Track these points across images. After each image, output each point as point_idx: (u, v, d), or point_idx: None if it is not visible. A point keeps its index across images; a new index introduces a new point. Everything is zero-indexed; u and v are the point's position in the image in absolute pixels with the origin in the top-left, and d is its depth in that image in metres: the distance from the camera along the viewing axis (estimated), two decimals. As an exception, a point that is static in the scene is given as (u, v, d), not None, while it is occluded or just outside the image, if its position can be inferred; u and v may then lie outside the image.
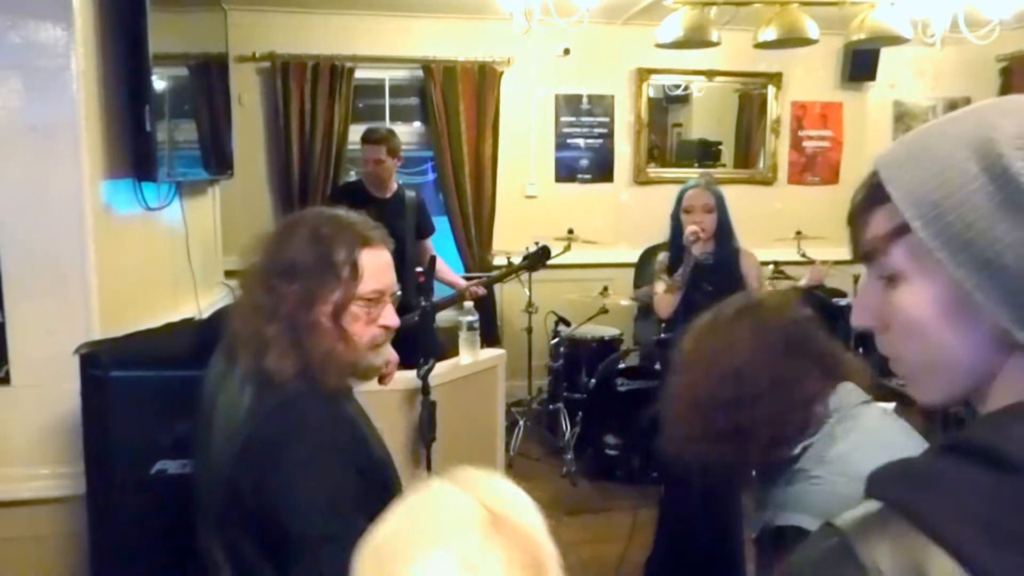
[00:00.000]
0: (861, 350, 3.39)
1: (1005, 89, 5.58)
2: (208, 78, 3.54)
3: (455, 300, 3.95)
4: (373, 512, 1.39)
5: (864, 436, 1.36)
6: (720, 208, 3.13)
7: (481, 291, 3.93)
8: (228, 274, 4.19)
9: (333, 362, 1.36)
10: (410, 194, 4.11)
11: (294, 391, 1.32)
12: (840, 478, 1.29)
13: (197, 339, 1.92)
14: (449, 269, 4.41)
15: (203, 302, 3.40)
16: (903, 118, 5.85)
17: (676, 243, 3.17)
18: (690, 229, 3.04)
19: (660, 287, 3.22)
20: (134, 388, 1.90)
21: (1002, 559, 0.55)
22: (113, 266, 2.48)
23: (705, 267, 3.08)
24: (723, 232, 3.14)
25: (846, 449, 1.33)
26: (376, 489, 1.38)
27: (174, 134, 2.91)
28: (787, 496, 1.36)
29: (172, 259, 3.15)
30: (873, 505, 0.63)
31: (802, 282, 3.12)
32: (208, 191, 3.81)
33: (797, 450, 1.40)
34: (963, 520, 0.57)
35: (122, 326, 2.38)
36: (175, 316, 3.01)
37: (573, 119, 5.46)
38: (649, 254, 5.06)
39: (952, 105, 5.82)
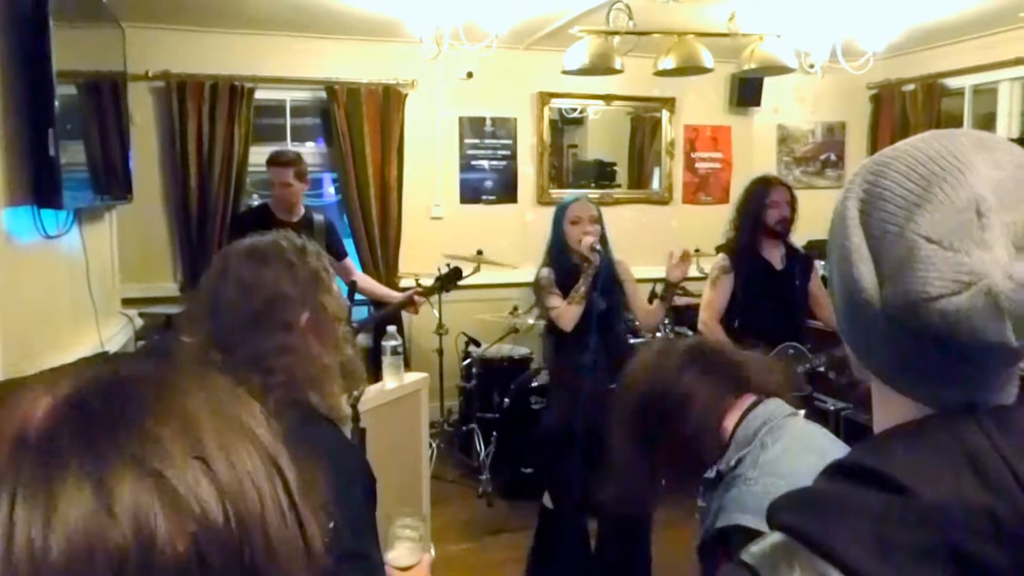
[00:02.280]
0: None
1: (875, 114, 6.01)
2: (106, 99, 3.39)
3: (401, 308, 4.00)
4: (372, 526, 1.41)
5: (791, 441, 1.48)
6: (601, 220, 3.23)
7: (422, 300, 3.96)
8: (126, 302, 4.02)
9: (355, 368, 1.47)
10: (318, 217, 4.05)
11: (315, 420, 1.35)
12: (771, 478, 1.40)
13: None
14: (377, 283, 4.42)
15: (104, 333, 3.25)
16: (786, 140, 6.21)
17: (561, 257, 3.24)
18: (589, 240, 3.10)
19: (556, 301, 3.22)
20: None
21: (892, 570, 0.61)
22: (14, 299, 2.34)
23: (595, 276, 3.16)
24: (604, 243, 3.22)
25: (776, 453, 1.45)
26: (373, 505, 1.40)
27: (74, 157, 2.77)
28: (726, 500, 1.46)
29: (72, 289, 2.99)
30: (777, 536, 0.68)
31: (673, 276, 3.25)
32: (105, 216, 3.64)
33: (733, 462, 1.49)
34: (857, 542, 0.62)
35: (24, 362, 2.24)
36: (77, 349, 2.87)
37: (477, 141, 5.52)
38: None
39: (829, 129, 6.23)
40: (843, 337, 0.76)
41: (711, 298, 3.53)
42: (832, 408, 4.20)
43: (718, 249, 3.63)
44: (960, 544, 0.61)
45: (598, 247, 3.08)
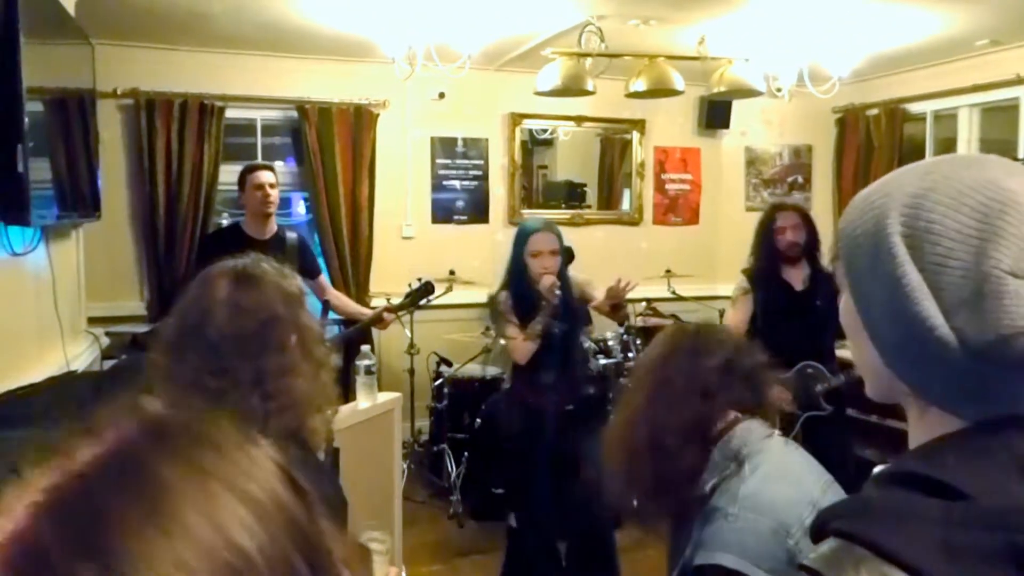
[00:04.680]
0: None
1: (840, 138, 6.13)
2: (74, 115, 3.35)
3: (370, 325, 3.98)
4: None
5: (770, 470, 1.44)
6: (562, 248, 3.20)
7: (392, 317, 3.95)
8: (92, 321, 3.95)
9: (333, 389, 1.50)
10: (291, 235, 4.03)
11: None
12: (751, 514, 1.37)
13: (94, 395, 1.80)
14: (350, 301, 4.39)
15: (70, 352, 3.18)
16: (753, 163, 6.31)
17: (520, 285, 3.18)
18: (549, 280, 3.04)
19: (512, 331, 3.18)
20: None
21: (957, 572, 0.63)
22: (-22, 317, 2.29)
23: (553, 307, 3.13)
24: (563, 270, 3.20)
25: (755, 486, 1.41)
26: (343, 526, 1.38)
27: (41, 174, 2.73)
28: (705, 535, 1.41)
29: (38, 307, 2.94)
30: (835, 542, 0.69)
31: (598, 302, 3.25)
32: (72, 234, 3.58)
33: (707, 488, 1.47)
34: (922, 545, 0.64)
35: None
36: (42, 368, 2.81)
37: (449, 161, 5.54)
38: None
39: (796, 151, 6.34)
40: (888, 368, 0.76)
41: (730, 318, 3.58)
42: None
43: (743, 271, 3.67)
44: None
45: (557, 290, 3.03)
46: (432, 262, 5.05)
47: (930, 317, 0.69)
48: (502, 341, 3.23)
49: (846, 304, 0.82)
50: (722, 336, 1.62)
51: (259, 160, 5.12)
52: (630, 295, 3.36)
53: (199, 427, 0.49)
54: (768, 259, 3.51)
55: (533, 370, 3.19)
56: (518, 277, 3.19)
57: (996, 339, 0.67)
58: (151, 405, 0.49)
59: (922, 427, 0.76)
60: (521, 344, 3.15)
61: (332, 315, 4.30)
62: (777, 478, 1.42)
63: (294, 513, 0.47)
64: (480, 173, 5.63)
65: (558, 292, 3.03)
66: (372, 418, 2.79)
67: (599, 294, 3.27)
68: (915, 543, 0.65)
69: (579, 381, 3.34)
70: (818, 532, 0.73)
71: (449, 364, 4.95)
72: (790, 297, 3.45)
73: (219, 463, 0.46)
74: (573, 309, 3.23)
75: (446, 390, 4.70)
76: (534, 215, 5.71)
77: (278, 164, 5.31)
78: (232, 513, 0.44)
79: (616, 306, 3.20)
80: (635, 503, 1.59)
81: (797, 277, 3.49)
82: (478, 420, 4.43)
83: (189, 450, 0.47)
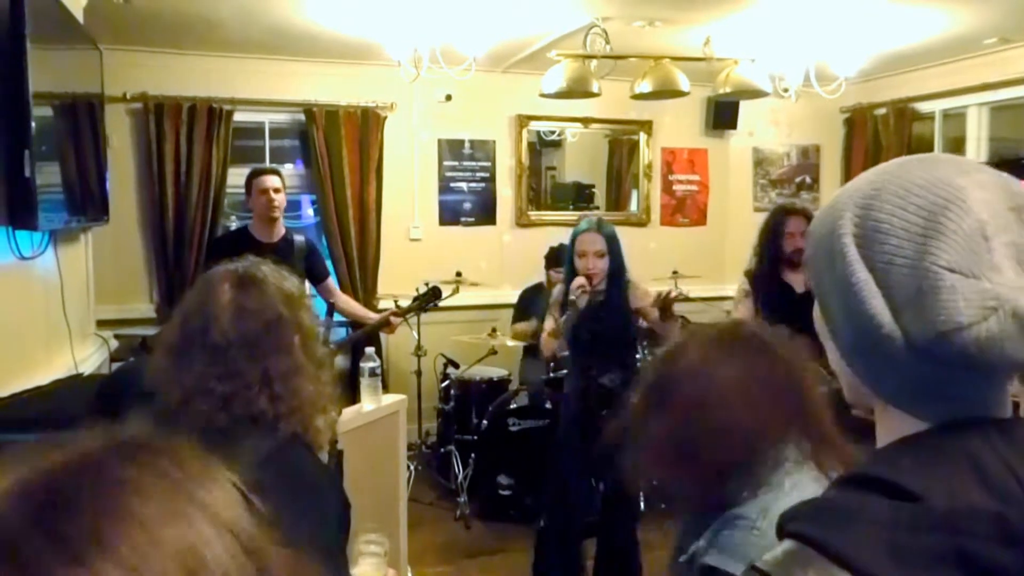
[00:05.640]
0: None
1: (848, 137, 6.11)
2: (82, 120, 3.38)
3: (378, 329, 3.99)
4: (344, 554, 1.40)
5: (809, 491, 1.38)
6: (612, 249, 3.16)
7: (398, 321, 3.97)
8: (101, 324, 3.98)
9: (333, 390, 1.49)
10: (298, 238, 4.04)
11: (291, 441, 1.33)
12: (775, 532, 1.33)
13: (97, 397, 1.82)
14: (356, 304, 4.41)
15: (78, 355, 3.21)
16: (761, 163, 6.29)
17: (569, 282, 3.20)
18: (577, 282, 3.06)
19: (549, 324, 3.28)
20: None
21: (905, 574, 0.63)
22: (-14, 321, 2.32)
23: (594, 305, 3.13)
24: (615, 271, 3.18)
25: (789, 504, 1.35)
26: (347, 533, 1.39)
27: (50, 179, 2.75)
28: (725, 540, 1.33)
29: (46, 310, 2.96)
30: (789, 544, 0.70)
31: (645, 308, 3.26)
32: (81, 238, 3.61)
33: (744, 493, 1.40)
34: (870, 548, 0.64)
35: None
36: (51, 371, 2.84)
37: (456, 163, 5.55)
38: (528, 294, 5.16)
39: (804, 152, 6.32)
40: (850, 369, 0.77)
41: None
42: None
43: (745, 273, 3.69)
44: (970, 548, 0.63)
45: (584, 292, 3.03)
46: (439, 264, 5.06)
47: (877, 315, 0.70)
48: (541, 336, 3.30)
49: (816, 307, 0.82)
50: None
51: (267, 163, 5.16)
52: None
53: (160, 443, 0.53)
54: (770, 261, 3.52)
55: (566, 372, 3.25)
56: (569, 275, 3.23)
57: (935, 336, 0.67)
58: (117, 430, 0.53)
59: (885, 429, 0.77)
60: (545, 339, 3.27)
61: (338, 316, 4.31)
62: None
63: (245, 527, 0.50)
64: (487, 175, 5.64)
65: (581, 294, 3.04)
66: (377, 420, 2.80)
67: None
68: (864, 545, 0.65)
69: (616, 385, 3.20)
70: (778, 534, 0.73)
71: (456, 366, 4.96)
72: (790, 300, 3.46)
73: (176, 471, 0.50)
74: (619, 313, 3.20)
75: (453, 392, 4.70)
76: (542, 216, 5.74)
77: (286, 167, 5.35)
78: (185, 513, 0.48)
79: (664, 312, 3.19)
80: (658, 483, 1.53)
81: (798, 280, 3.50)
82: (485, 421, 4.44)
83: (149, 458, 0.50)
